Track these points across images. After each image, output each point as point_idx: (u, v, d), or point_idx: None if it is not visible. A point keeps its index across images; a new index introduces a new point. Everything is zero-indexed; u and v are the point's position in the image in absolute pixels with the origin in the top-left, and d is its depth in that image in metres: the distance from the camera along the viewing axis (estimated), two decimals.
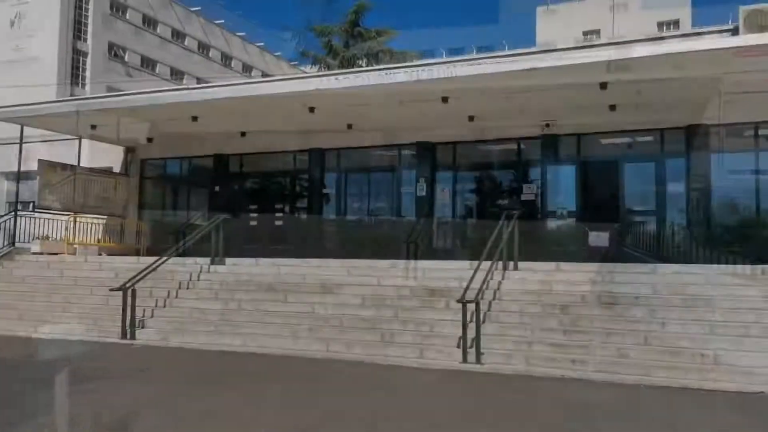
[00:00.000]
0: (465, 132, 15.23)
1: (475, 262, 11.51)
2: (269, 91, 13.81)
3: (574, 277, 10.85)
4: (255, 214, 18.02)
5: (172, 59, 44.41)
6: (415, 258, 13.30)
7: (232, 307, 11.93)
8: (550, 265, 11.32)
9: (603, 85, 11.88)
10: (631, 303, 9.90)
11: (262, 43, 55.06)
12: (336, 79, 13.47)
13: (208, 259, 13.68)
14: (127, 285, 11.63)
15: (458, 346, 9.59)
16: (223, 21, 50.84)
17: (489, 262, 10.74)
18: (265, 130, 16.46)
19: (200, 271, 13.39)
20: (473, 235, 15.96)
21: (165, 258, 12.89)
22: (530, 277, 11.06)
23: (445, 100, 13.06)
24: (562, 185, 14.78)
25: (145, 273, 12.20)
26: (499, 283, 10.94)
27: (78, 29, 41.60)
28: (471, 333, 9.36)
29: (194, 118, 15.11)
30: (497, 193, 15.75)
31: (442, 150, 16.03)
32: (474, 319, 9.37)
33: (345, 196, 17.03)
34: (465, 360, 9.29)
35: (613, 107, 13.31)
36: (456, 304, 10.34)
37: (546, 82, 12.11)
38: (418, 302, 10.99)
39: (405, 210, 16.30)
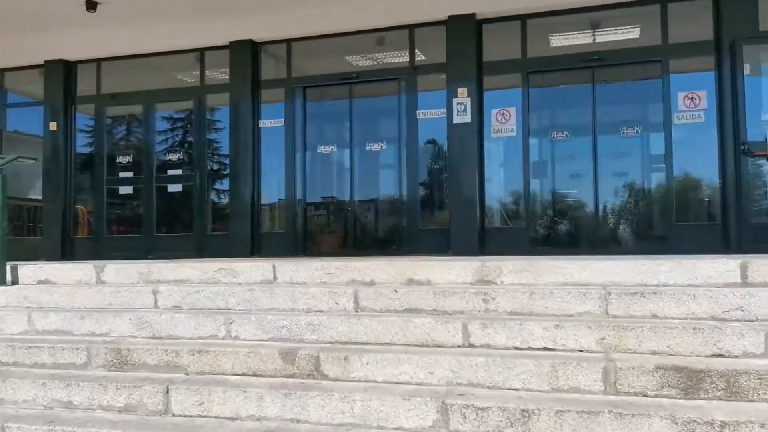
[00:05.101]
0: None
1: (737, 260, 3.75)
2: None
3: None
4: (129, 174, 9.42)
5: None
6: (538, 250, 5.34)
7: None
8: None
9: None
10: None
11: None
12: None
13: None
14: None
15: None
16: None
17: None
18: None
19: None
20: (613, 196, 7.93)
21: None
22: None
23: None
24: None
25: None
26: None
27: None
28: None
29: None
30: (624, 116, 7.81)
31: (495, 32, 8.03)
32: None
33: (304, 133, 8.73)
34: None
35: None
36: None
37: None
38: None
39: (426, 155, 8.28)
